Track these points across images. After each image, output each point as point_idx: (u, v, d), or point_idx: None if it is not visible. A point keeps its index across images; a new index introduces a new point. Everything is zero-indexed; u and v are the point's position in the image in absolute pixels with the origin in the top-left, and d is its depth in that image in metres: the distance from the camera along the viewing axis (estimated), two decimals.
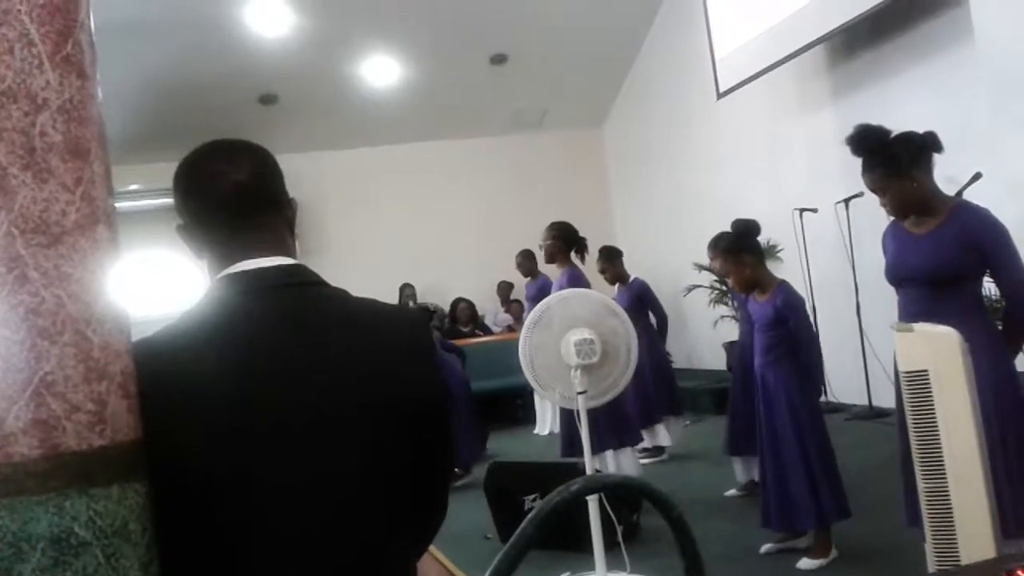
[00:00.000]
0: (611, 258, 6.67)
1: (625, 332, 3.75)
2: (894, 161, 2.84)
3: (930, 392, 2.35)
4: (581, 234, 5.64)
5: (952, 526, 2.32)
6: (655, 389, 6.31)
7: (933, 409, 2.34)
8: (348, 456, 1.19)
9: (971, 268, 2.81)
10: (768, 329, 3.91)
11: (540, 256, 6.01)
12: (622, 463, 5.23)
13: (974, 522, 2.29)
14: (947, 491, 2.33)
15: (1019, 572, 1.10)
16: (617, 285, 6.66)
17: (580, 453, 5.08)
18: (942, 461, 2.33)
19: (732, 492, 5.15)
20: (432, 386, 1.32)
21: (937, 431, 2.33)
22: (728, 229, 4.19)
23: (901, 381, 2.46)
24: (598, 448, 4.86)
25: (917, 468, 2.41)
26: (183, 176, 1.30)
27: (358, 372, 1.22)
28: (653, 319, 6.56)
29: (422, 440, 1.27)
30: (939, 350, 2.36)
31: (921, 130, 2.94)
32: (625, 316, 3.80)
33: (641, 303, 6.42)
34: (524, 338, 3.80)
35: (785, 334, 3.87)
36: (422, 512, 1.32)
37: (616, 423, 5.11)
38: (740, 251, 3.98)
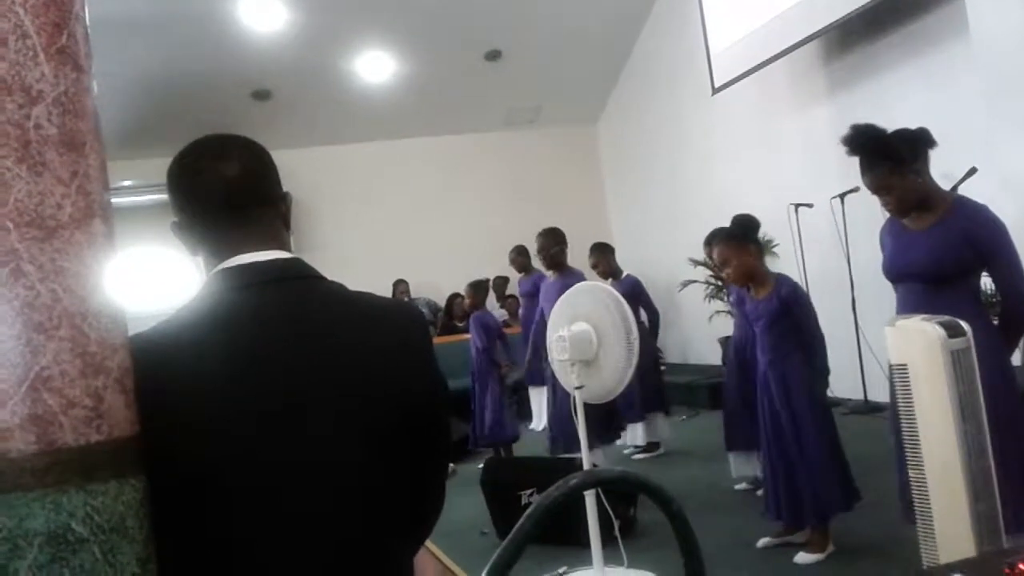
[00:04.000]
0: (604, 252, 6.67)
1: (623, 325, 3.72)
2: (897, 157, 2.82)
3: (910, 386, 2.36)
4: (574, 231, 5.65)
5: (932, 521, 2.33)
6: (641, 385, 6.29)
7: (913, 402, 2.36)
8: (347, 449, 1.19)
9: (969, 265, 2.79)
10: (774, 325, 3.85)
11: (539, 264, 5.99)
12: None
13: (952, 519, 2.29)
14: (926, 484, 2.34)
15: (1021, 566, 1.10)
16: (609, 280, 6.65)
17: (571, 450, 5.11)
18: (922, 453, 2.35)
19: (743, 486, 5.07)
20: (429, 379, 1.31)
21: (916, 424, 2.36)
22: (723, 225, 4.17)
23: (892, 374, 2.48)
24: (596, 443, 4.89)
25: (908, 459, 2.43)
26: (176, 173, 1.29)
27: (357, 365, 1.22)
28: (644, 316, 6.55)
29: (419, 434, 1.26)
30: (918, 345, 2.35)
31: (916, 126, 2.93)
32: (628, 312, 3.75)
33: (632, 300, 6.40)
34: (549, 338, 3.89)
35: (792, 327, 3.83)
36: (419, 506, 1.31)
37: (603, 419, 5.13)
38: (745, 240, 3.94)
